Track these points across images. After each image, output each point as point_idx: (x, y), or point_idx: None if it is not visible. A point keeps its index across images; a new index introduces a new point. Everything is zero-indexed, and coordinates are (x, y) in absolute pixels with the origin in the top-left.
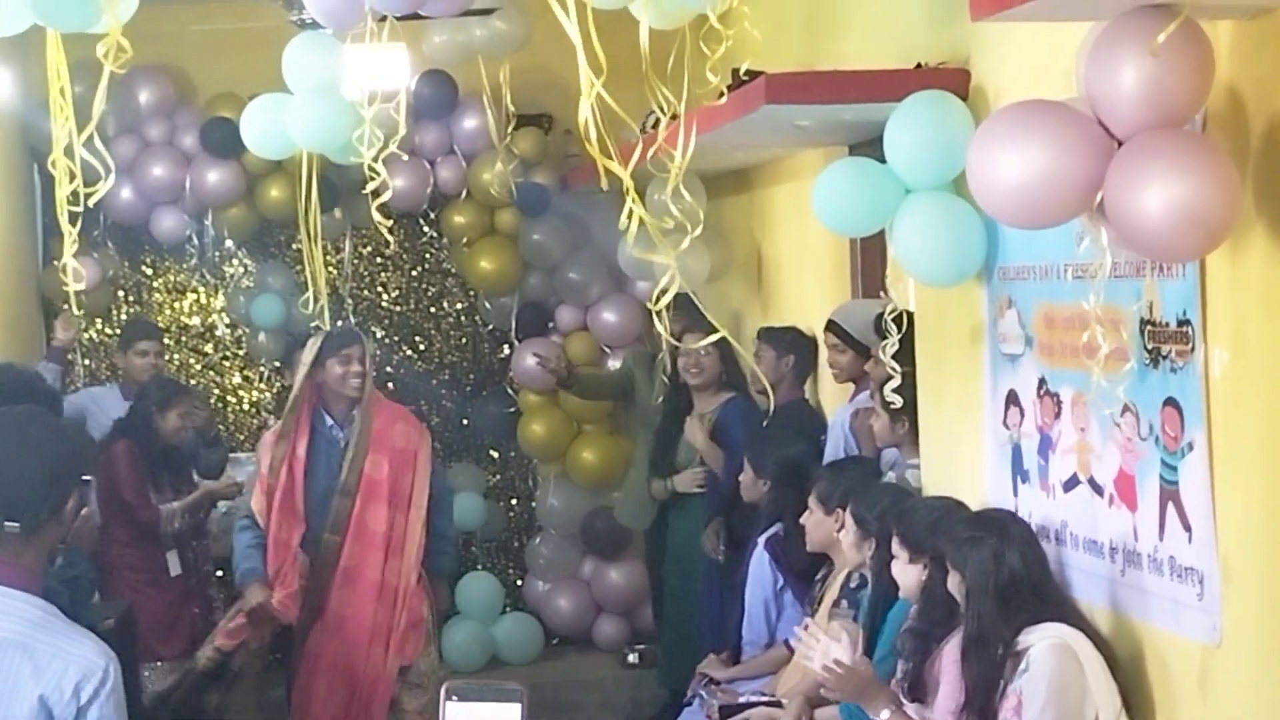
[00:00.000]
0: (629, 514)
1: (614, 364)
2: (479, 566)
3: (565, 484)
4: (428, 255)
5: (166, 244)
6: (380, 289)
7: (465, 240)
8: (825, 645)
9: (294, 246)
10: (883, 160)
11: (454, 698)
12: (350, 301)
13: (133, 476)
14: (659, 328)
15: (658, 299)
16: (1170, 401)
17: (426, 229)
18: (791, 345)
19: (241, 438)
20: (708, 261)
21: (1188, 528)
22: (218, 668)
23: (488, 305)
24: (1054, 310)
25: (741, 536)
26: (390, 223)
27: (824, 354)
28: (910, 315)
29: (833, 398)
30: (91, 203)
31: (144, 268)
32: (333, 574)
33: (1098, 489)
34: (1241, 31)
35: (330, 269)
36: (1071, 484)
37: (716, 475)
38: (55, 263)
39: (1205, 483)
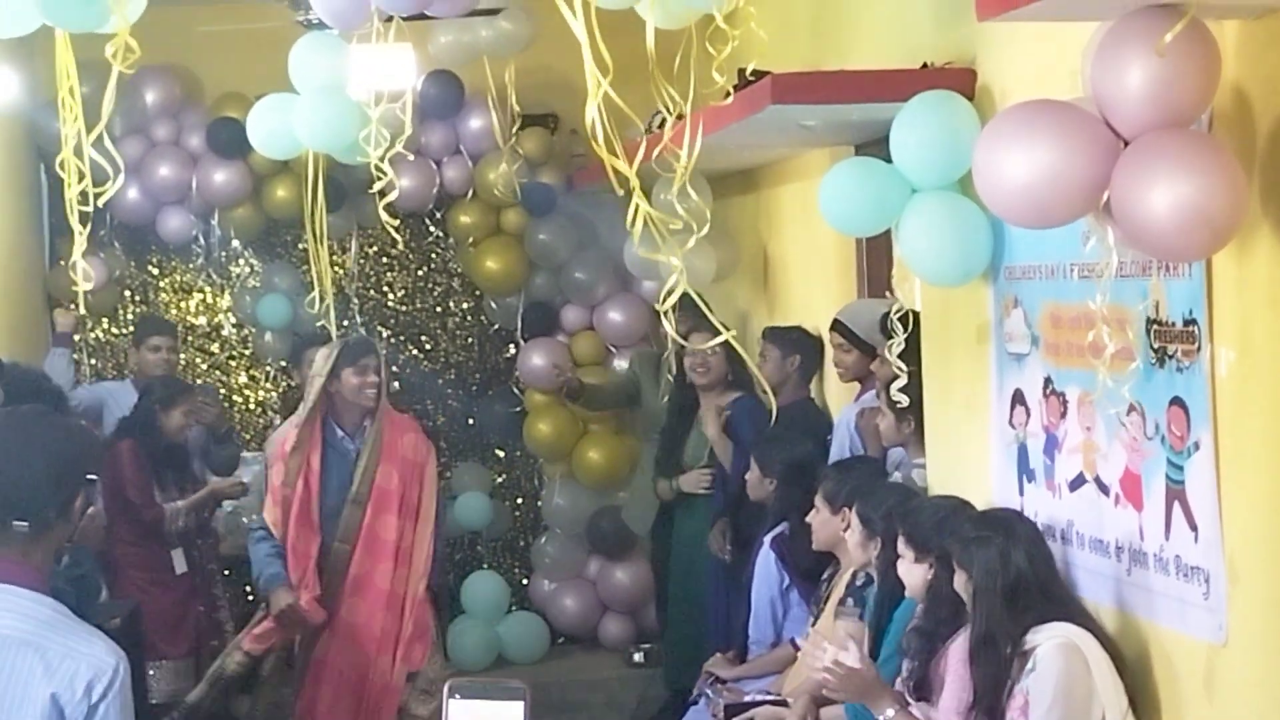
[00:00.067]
0: (636, 516)
1: (620, 364)
2: (485, 566)
3: (571, 483)
4: (434, 255)
5: (173, 244)
6: (386, 289)
7: (471, 240)
8: (832, 654)
9: (300, 246)
10: (889, 160)
11: (457, 696)
12: (356, 301)
13: (137, 476)
14: (666, 328)
15: (665, 299)
16: (1176, 401)
17: (432, 229)
18: (797, 345)
19: (248, 437)
20: (714, 261)
21: (1194, 527)
22: (248, 672)
23: (493, 305)
24: (1060, 310)
25: (748, 536)
26: (397, 222)
27: (830, 353)
28: (916, 315)
29: (838, 397)
30: (101, 203)
31: (150, 268)
32: (342, 583)
33: (1104, 488)
34: (1248, 31)
35: (336, 269)
36: (1077, 483)
37: (724, 474)
38: (62, 262)
39: (1211, 482)
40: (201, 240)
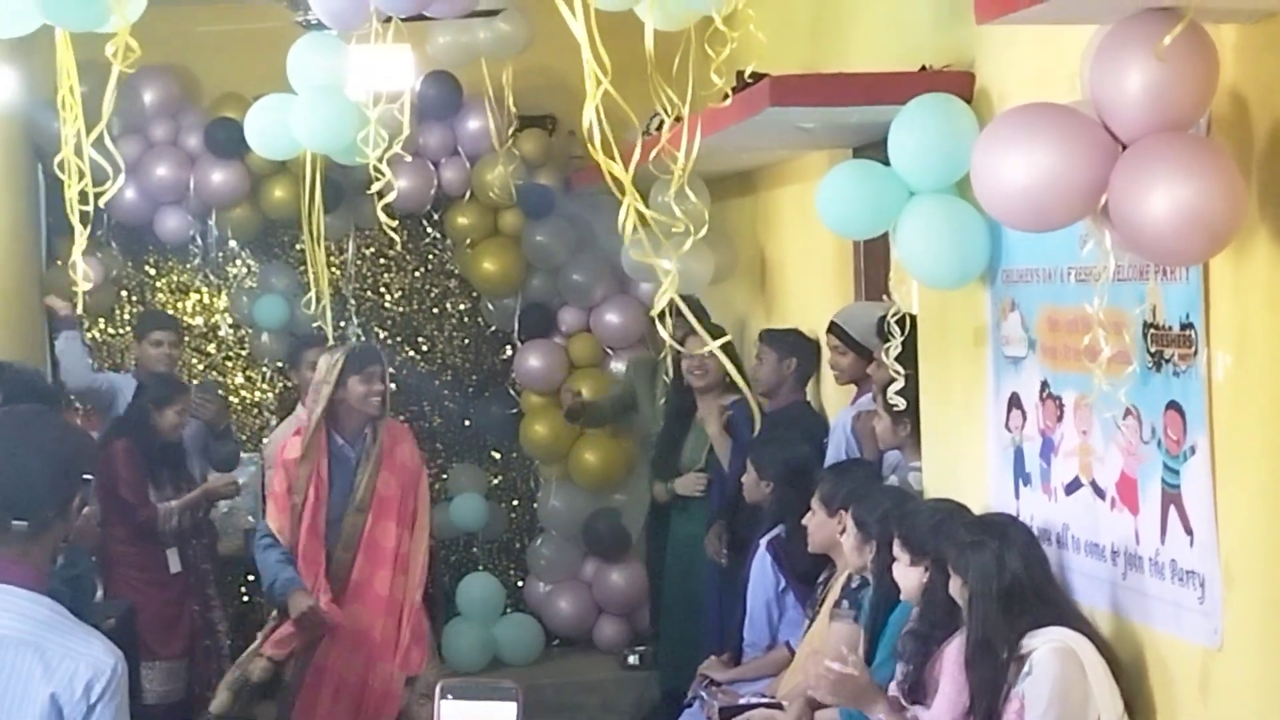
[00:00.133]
0: (634, 519)
1: (617, 365)
2: (480, 567)
3: (567, 485)
4: (431, 256)
5: (170, 244)
6: (383, 290)
7: (468, 241)
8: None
9: (297, 247)
10: (887, 163)
11: (449, 696)
12: (353, 302)
13: (131, 475)
14: (661, 333)
15: (658, 304)
16: (1173, 405)
17: (430, 230)
18: (793, 348)
19: (244, 438)
20: (711, 263)
21: (1189, 531)
22: (272, 679)
23: (490, 306)
24: (1057, 313)
25: (744, 539)
26: (395, 223)
27: (826, 355)
28: (913, 318)
29: (835, 400)
30: (102, 203)
31: (147, 268)
32: (344, 589)
33: (1100, 492)
34: (1246, 35)
35: (333, 270)
36: (1073, 487)
37: (720, 477)
38: (59, 262)
39: (1207, 486)
40: (199, 240)
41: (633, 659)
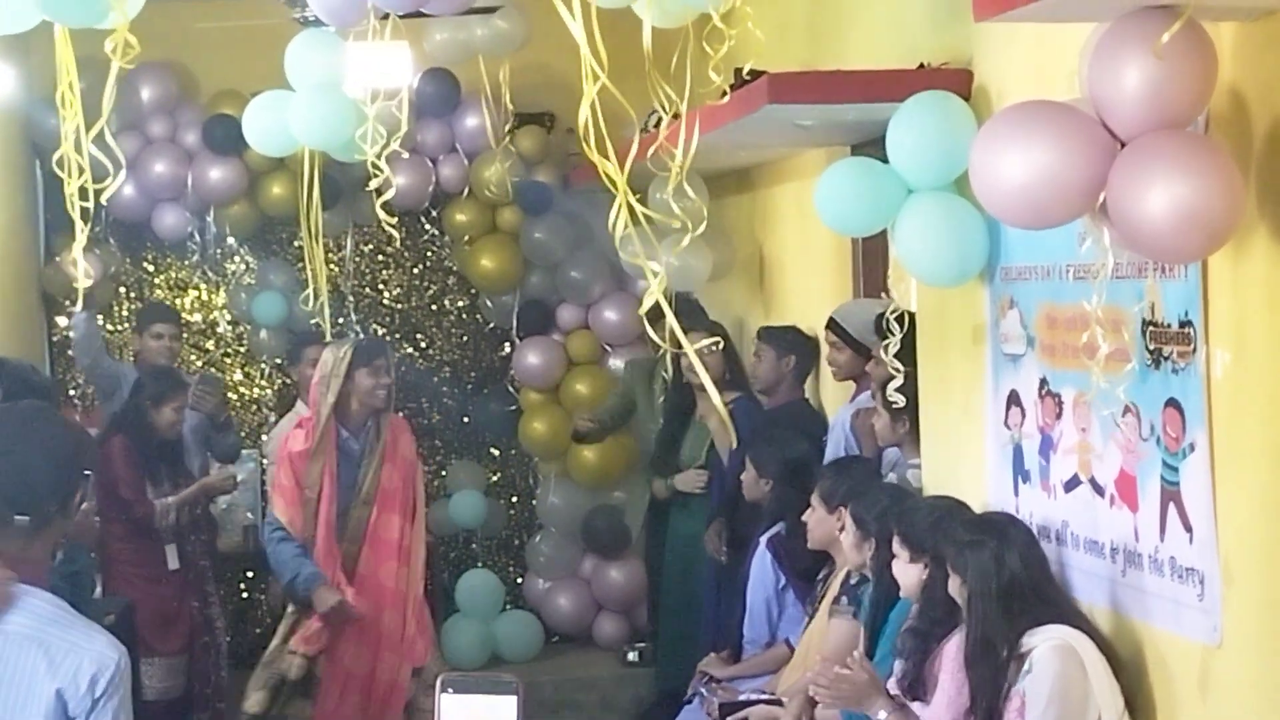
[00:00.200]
0: (637, 517)
1: (615, 363)
2: (479, 564)
3: (566, 482)
4: (429, 253)
5: (168, 241)
6: (381, 287)
7: (467, 238)
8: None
9: (295, 244)
10: (885, 160)
11: (450, 690)
12: (351, 299)
13: (128, 473)
14: (651, 334)
15: (646, 304)
16: (1171, 402)
17: (428, 227)
18: (792, 345)
19: (243, 434)
20: (709, 261)
21: (1189, 528)
22: (307, 675)
23: (489, 303)
24: (1056, 311)
25: (744, 536)
26: (394, 220)
27: (824, 351)
28: (912, 315)
29: (834, 398)
30: (105, 199)
31: (145, 264)
32: (350, 582)
33: (1099, 489)
34: (1244, 33)
35: (331, 266)
36: (1072, 484)
37: (720, 474)
38: (57, 259)
39: (1206, 483)
40: (197, 237)
41: (632, 656)
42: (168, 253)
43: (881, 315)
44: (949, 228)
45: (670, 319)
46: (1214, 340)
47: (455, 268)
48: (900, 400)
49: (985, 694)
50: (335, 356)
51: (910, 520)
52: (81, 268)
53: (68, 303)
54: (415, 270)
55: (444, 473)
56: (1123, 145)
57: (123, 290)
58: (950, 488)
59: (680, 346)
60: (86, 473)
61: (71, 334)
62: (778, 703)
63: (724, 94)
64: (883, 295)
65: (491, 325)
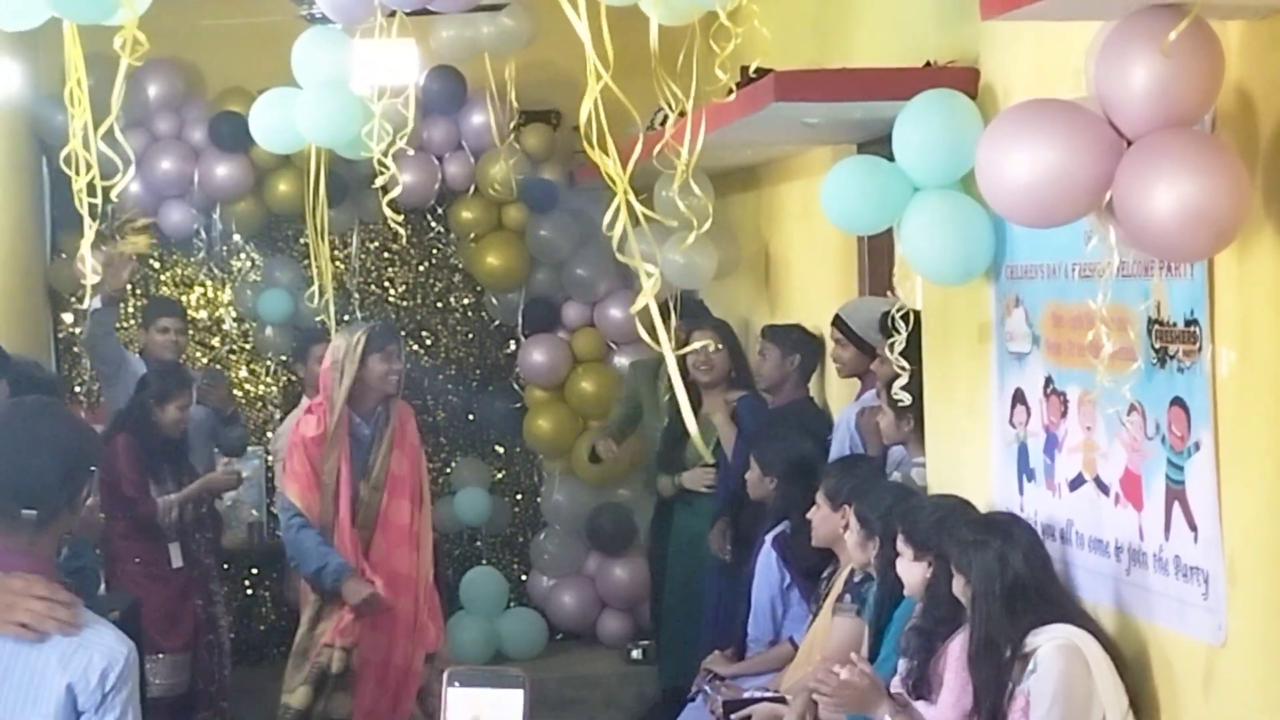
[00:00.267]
0: (645, 515)
1: (620, 360)
2: (483, 562)
3: (570, 480)
4: (435, 251)
5: (174, 237)
6: (387, 284)
7: (473, 236)
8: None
9: (301, 241)
10: (891, 158)
11: (456, 684)
12: (357, 296)
13: (132, 471)
14: (644, 335)
15: (637, 305)
16: (1177, 401)
17: (434, 224)
18: (796, 344)
19: (248, 430)
20: (715, 259)
21: (1193, 527)
22: (347, 668)
23: (494, 301)
24: (1061, 309)
25: (748, 535)
26: (400, 218)
27: (829, 347)
28: (917, 314)
29: (839, 397)
30: (114, 195)
31: (152, 261)
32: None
33: (1103, 488)
34: (1252, 31)
35: (337, 264)
36: (1077, 483)
37: (726, 472)
38: (63, 255)
39: (1211, 482)
40: (203, 234)
41: (636, 653)
42: (174, 249)
43: (887, 313)
44: (955, 226)
45: (658, 322)
46: (1220, 339)
47: (461, 265)
48: (906, 398)
49: (989, 693)
50: (348, 342)
51: (914, 519)
52: (90, 264)
53: (74, 299)
54: (421, 268)
55: (448, 470)
56: (1129, 143)
57: (129, 287)
58: (955, 486)
59: (678, 346)
60: (92, 469)
61: (89, 317)
62: (781, 700)
63: (730, 92)
64: (888, 293)
65: (497, 323)
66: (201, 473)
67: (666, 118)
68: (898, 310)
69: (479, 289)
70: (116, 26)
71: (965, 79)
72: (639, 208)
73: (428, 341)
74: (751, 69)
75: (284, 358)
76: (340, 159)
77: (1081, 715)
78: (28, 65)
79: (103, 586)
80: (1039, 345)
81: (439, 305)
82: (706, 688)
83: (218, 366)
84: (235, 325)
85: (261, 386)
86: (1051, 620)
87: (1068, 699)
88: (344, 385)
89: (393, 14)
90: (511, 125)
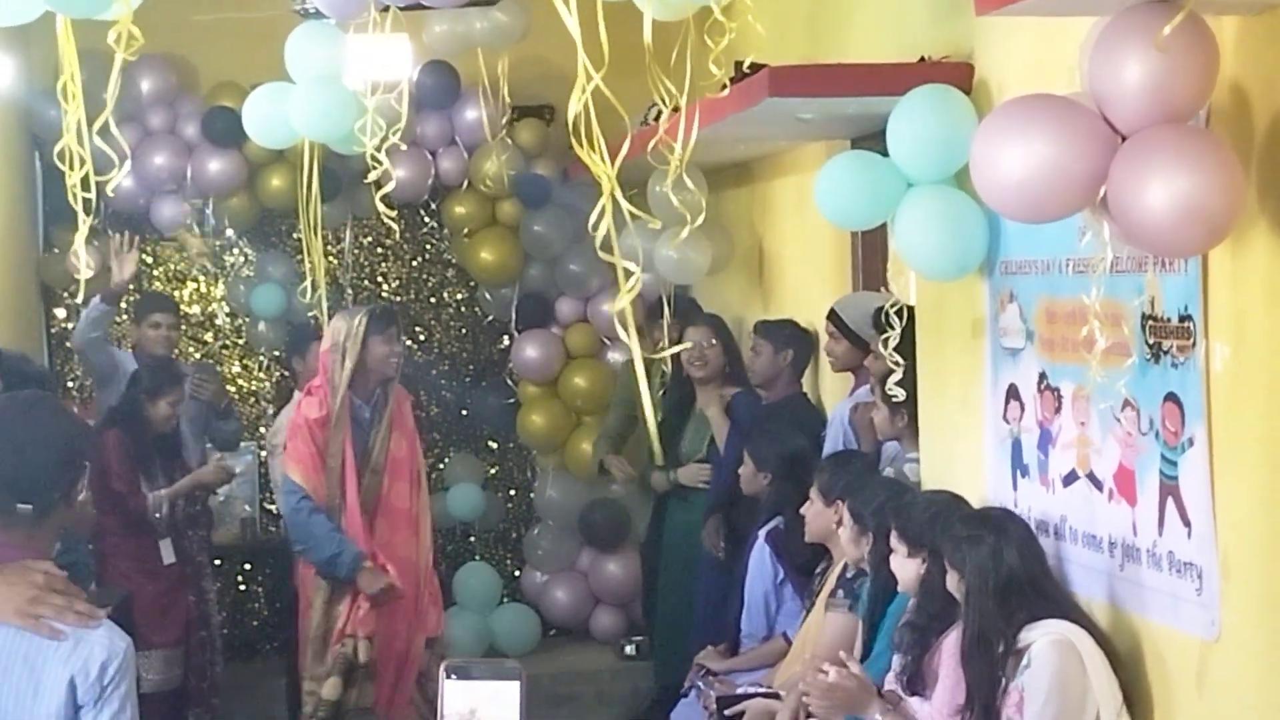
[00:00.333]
0: (641, 512)
1: (614, 356)
2: (477, 557)
3: (564, 475)
4: (428, 246)
5: (167, 232)
6: (380, 279)
7: (466, 231)
8: (833, 674)
9: (295, 236)
10: (885, 154)
11: (453, 676)
12: (350, 291)
13: (121, 466)
14: (622, 336)
15: (618, 304)
16: (1171, 397)
17: (427, 219)
18: (789, 339)
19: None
20: (709, 254)
21: (1187, 523)
22: (371, 658)
23: (488, 296)
24: (1055, 305)
25: (742, 530)
26: (393, 213)
27: (824, 341)
28: (911, 309)
29: (833, 392)
30: (110, 190)
31: (144, 256)
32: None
33: (1097, 484)
34: (1246, 28)
35: (330, 259)
36: (1071, 479)
37: (720, 467)
38: (55, 250)
39: (1205, 478)
40: (196, 229)
41: (629, 649)
42: (167, 244)
43: (881, 309)
44: (949, 221)
45: (630, 325)
46: (1213, 335)
47: (454, 260)
48: (901, 394)
49: (982, 689)
50: (349, 325)
51: (908, 515)
52: (83, 259)
53: (66, 294)
54: (414, 263)
55: (442, 465)
56: (1123, 139)
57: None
58: (949, 482)
59: (692, 339)
60: (87, 462)
61: (83, 315)
62: (775, 696)
63: (724, 87)
64: (882, 289)
65: (490, 318)
66: (195, 468)
67: (660, 113)
68: (892, 305)
69: (472, 284)
70: (110, 21)
71: (959, 74)
72: (626, 205)
73: (421, 337)
74: (745, 64)
75: (277, 353)
76: (333, 154)
77: (1075, 711)
78: (20, 60)
79: (93, 583)
80: (1033, 341)
81: (432, 300)
82: (700, 683)
83: (210, 361)
84: (228, 320)
85: (254, 382)
86: (1045, 615)
87: (1062, 694)
88: (346, 368)
89: (386, 9)
90: (504, 120)
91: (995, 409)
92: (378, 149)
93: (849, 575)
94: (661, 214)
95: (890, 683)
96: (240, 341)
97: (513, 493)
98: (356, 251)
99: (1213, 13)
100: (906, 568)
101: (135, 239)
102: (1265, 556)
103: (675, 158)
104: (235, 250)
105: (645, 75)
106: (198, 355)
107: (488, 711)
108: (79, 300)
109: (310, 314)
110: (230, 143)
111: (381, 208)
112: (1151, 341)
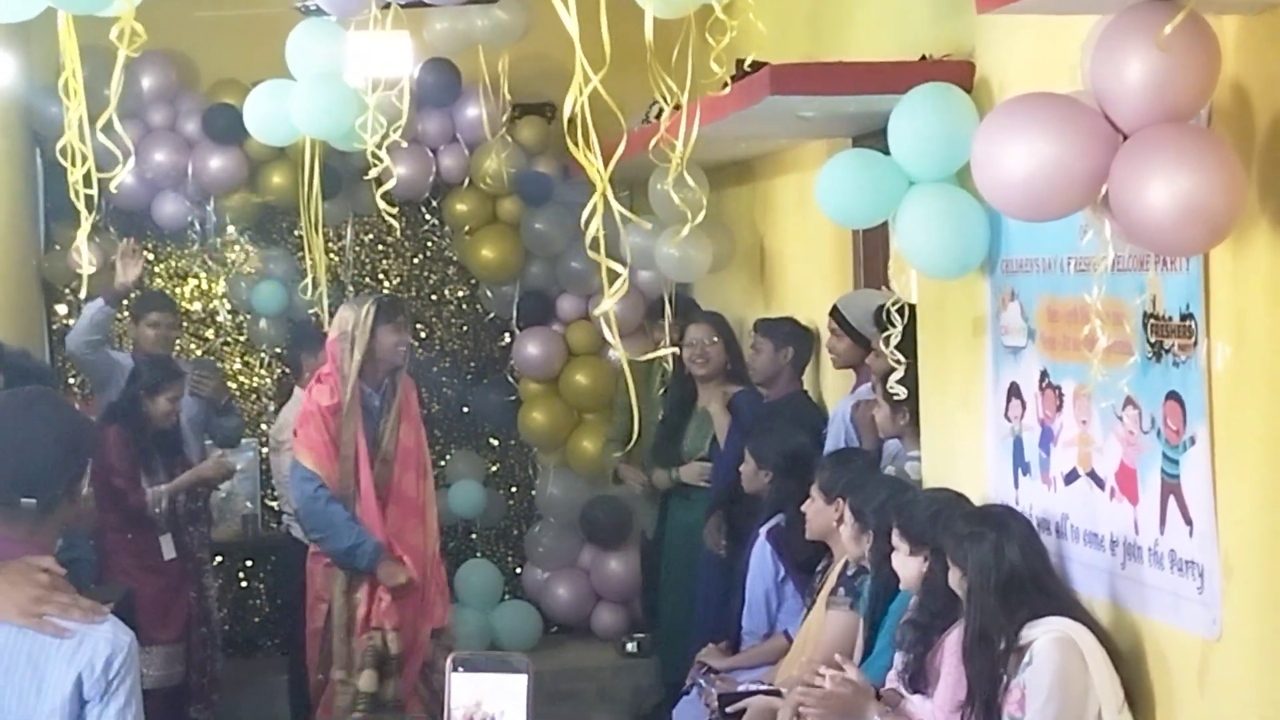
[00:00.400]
0: (643, 510)
1: (615, 354)
2: (478, 554)
3: (565, 472)
4: (429, 243)
5: (168, 229)
6: (382, 276)
7: (467, 228)
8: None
9: (296, 233)
10: (886, 152)
11: (460, 669)
12: (351, 289)
13: (122, 463)
14: (608, 336)
15: (603, 306)
16: (1172, 395)
17: (428, 217)
18: (789, 337)
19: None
20: (710, 252)
21: (1189, 521)
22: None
23: (489, 294)
24: (1056, 303)
25: (743, 528)
26: (394, 210)
27: (825, 338)
28: (912, 307)
29: (834, 390)
30: (113, 187)
31: (146, 253)
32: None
33: (1099, 482)
34: (1248, 27)
35: (332, 256)
36: (1072, 477)
37: (721, 465)
38: (57, 247)
39: (1206, 476)
40: (197, 226)
41: (630, 646)
42: (168, 241)
43: (882, 307)
44: (950, 220)
45: (614, 326)
46: (1215, 333)
47: (455, 258)
48: (902, 392)
49: (984, 686)
50: (357, 314)
51: (910, 513)
52: (86, 256)
53: (67, 291)
54: (415, 260)
55: (443, 463)
56: (1125, 138)
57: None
58: (950, 480)
59: (693, 338)
60: (90, 458)
61: (84, 314)
62: (776, 693)
63: (725, 85)
64: (883, 287)
65: (491, 315)
66: (196, 465)
67: (662, 111)
68: (893, 303)
69: (473, 282)
70: (111, 18)
71: (961, 73)
72: (616, 207)
73: (422, 334)
74: (747, 62)
75: (278, 350)
76: (335, 151)
77: (1077, 708)
78: (21, 56)
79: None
80: (1034, 339)
81: (433, 298)
82: (701, 681)
83: (211, 359)
84: (229, 317)
85: (256, 379)
86: (1047, 613)
87: (1063, 692)
88: (355, 357)
89: (387, 6)
90: (505, 118)
91: (997, 407)
92: (379, 146)
93: (850, 573)
94: (663, 212)
95: (892, 681)
96: (241, 338)
97: (514, 490)
98: (357, 249)
99: (1214, 12)
100: (908, 565)
101: (140, 246)
102: (1266, 555)
103: (676, 156)
104: (236, 247)
105: (646, 73)
106: (199, 352)
107: (494, 704)
108: (81, 296)
109: (311, 311)
110: (231, 140)
111: (382, 205)
112: (1153, 340)
